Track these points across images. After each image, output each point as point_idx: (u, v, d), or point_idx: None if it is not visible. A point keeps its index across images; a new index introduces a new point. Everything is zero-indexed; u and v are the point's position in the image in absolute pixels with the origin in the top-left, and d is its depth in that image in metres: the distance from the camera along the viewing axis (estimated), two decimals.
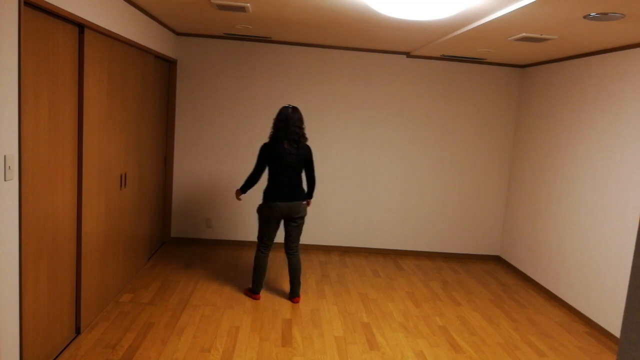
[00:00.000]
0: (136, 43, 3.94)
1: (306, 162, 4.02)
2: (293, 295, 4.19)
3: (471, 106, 5.71)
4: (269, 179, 3.99)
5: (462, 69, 5.64)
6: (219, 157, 5.57)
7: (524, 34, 3.75)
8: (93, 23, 3.08)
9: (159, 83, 4.95)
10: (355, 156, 5.69)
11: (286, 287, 4.52)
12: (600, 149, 4.20)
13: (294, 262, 4.12)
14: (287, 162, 3.91)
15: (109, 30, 3.34)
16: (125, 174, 4.02)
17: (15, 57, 2.35)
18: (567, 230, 4.60)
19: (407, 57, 5.58)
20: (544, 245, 4.96)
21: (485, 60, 5.47)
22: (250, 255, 5.36)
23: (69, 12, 2.76)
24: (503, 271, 5.52)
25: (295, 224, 4.05)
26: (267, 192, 3.98)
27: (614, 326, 3.91)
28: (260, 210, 4.03)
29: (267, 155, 3.95)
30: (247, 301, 4.12)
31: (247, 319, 3.78)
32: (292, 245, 4.11)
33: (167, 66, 5.24)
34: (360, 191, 5.74)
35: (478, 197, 5.86)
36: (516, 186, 5.65)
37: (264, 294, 4.32)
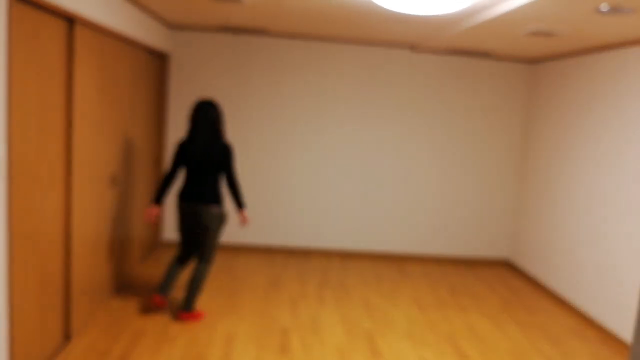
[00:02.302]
0: (128, 37, 3.96)
1: (221, 163, 3.77)
2: (181, 309, 3.80)
3: (479, 103, 5.74)
4: (183, 178, 3.86)
5: (470, 64, 5.66)
6: None
7: (534, 28, 3.77)
8: (83, 16, 3.11)
9: (151, 79, 4.97)
10: (357, 155, 5.71)
11: (286, 293, 4.54)
12: (614, 148, 4.22)
13: (196, 269, 3.80)
14: (196, 161, 3.75)
15: (99, 24, 3.36)
16: (116, 174, 4.04)
17: (4, 54, 2.37)
18: (579, 233, 4.62)
19: (413, 51, 5.60)
20: (555, 249, 4.98)
21: (493, 56, 5.49)
22: (246, 259, 5.38)
23: (59, 6, 2.78)
24: (512, 275, 5.55)
25: (203, 229, 3.78)
26: (179, 192, 3.85)
27: (627, 332, 3.93)
28: (176, 209, 3.92)
29: (179, 153, 3.79)
30: (244, 307, 4.14)
31: (244, 326, 3.80)
32: (199, 251, 3.83)
33: (159, 61, 5.26)
34: (362, 192, 5.76)
35: (486, 199, 5.88)
36: (526, 187, 5.67)
37: (261, 299, 4.33)
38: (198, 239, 3.82)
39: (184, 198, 3.77)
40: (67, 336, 3.34)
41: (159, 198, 3.83)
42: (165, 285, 3.86)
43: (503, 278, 5.44)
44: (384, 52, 5.58)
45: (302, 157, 5.65)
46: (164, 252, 5.42)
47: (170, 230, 5.67)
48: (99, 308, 3.87)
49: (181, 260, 3.92)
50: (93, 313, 3.74)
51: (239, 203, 3.86)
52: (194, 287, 3.77)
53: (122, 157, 4.18)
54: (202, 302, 4.18)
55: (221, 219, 3.81)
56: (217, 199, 3.78)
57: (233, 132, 5.57)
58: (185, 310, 3.79)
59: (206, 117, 3.75)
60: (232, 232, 5.71)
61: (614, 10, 3.06)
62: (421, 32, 4.55)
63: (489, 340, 3.89)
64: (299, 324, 3.92)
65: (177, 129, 5.53)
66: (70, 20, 3.09)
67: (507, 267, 5.87)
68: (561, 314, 4.54)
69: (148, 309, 3.96)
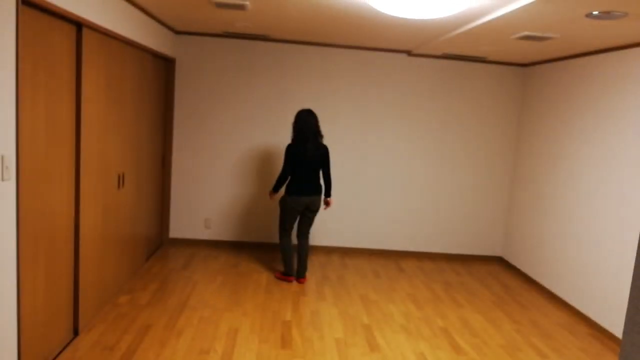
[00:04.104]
0: (134, 42, 3.95)
1: (324, 160, 4.53)
2: (299, 276, 4.66)
3: (473, 105, 5.72)
4: (292, 176, 4.48)
5: (464, 68, 5.65)
6: (218, 157, 5.58)
7: (526, 33, 3.76)
8: (91, 21, 3.09)
9: (157, 82, 4.96)
10: (355, 156, 5.69)
11: (287, 289, 4.53)
12: (604, 149, 4.21)
13: (304, 244, 4.65)
14: (308, 161, 4.42)
15: (107, 29, 3.35)
16: (123, 174, 4.03)
17: (13, 56, 2.36)
18: (570, 231, 4.61)
19: (408, 55, 5.59)
20: (547, 246, 4.97)
21: (487, 59, 5.48)
22: (249, 256, 5.37)
23: (67, 11, 2.77)
24: (505, 272, 5.53)
25: (311, 214, 4.60)
26: (291, 187, 4.48)
27: (617, 327, 3.92)
28: (284, 202, 4.53)
29: (293, 155, 4.43)
30: (247, 303, 4.13)
31: (246, 321, 3.79)
32: (305, 230, 4.66)
33: (165, 65, 5.25)
34: (361, 192, 5.75)
35: (480, 198, 5.87)
36: (518, 186, 5.66)
37: (264, 295, 4.33)
38: (306, 222, 4.62)
39: (304, 193, 4.46)
40: (74, 331, 3.33)
41: (276, 189, 4.61)
42: (293, 263, 4.70)
43: (496, 275, 5.43)
44: (382, 56, 5.57)
45: None
46: (170, 250, 5.41)
47: (176, 229, 5.65)
48: (106, 303, 3.86)
49: (290, 236, 4.64)
50: (100, 308, 3.73)
51: (329, 192, 4.69)
52: (307, 258, 4.74)
53: (129, 157, 4.17)
54: (207, 298, 4.17)
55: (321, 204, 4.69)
56: (322, 190, 4.59)
57: (236, 134, 5.55)
58: (304, 276, 4.67)
59: (311, 124, 4.42)
60: (235, 231, 5.70)
61: (605, 14, 3.05)
62: (417, 36, 4.54)
63: (482, 334, 3.88)
64: (300, 319, 3.91)
65: (182, 130, 5.51)
66: (78, 25, 3.07)
67: (500, 264, 5.86)
68: (553, 310, 4.52)
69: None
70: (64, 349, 3.17)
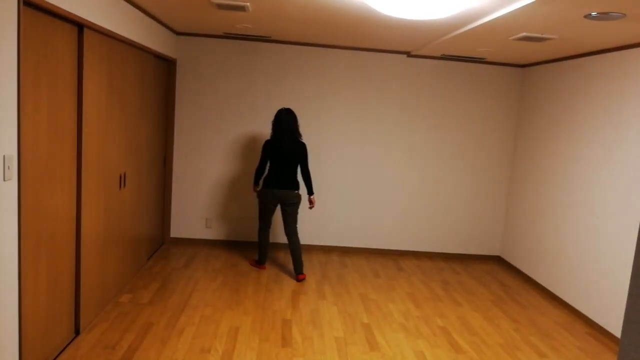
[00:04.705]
0: (135, 43, 3.94)
1: (301, 157, 4.63)
2: (297, 273, 4.72)
3: (472, 106, 5.71)
4: (269, 170, 4.65)
5: (463, 68, 5.64)
6: (219, 157, 5.57)
7: (524, 34, 3.75)
8: (92, 22, 3.08)
9: (158, 83, 4.95)
10: (354, 156, 5.69)
11: (288, 288, 4.52)
12: (601, 149, 4.20)
13: (293, 242, 4.68)
14: (283, 157, 4.56)
15: (108, 30, 3.34)
16: (125, 174, 4.02)
17: (15, 57, 2.35)
18: (568, 231, 4.60)
19: (408, 56, 5.58)
20: (545, 246, 4.96)
21: (485, 60, 5.47)
22: (250, 256, 5.36)
23: (69, 12, 2.76)
24: (504, 271, 5.52)
25: (288, 208, 4.66)
26: (265, 180, 4.66)
27: (615, 326, 3.91)
28: (259, 194, 4.71)
29: (268, 151, 4.61)
30: (247, 302, 4.12)
31: (247, 320, 3.78)
32: (288, 228, 4.69)
33: (166, 66, 5.24)
34: (360, 191, 5.74)
35: (479, 198, 5.86)
36: (517, 186, 5.65)
37: (264, 294, 4.32)
38: (287, 218, 4.67)
39: (276, 186, 4.60)
40: (76, 330, 3.32)
41: (257, 182, 4.82)
42: (266, 254, 4.91)
43: (494, 274, 5.42)
44: (382, 57, 5.56)
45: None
46: (171, 249, 5.40)
47: (177, 229, 5.65)
48: (108, 303, 3.85)
49: (267, 228, 4.82)
50: (102, 307, 3.72)
51: (310, 190, 4.76)
52: (300, 255, 4.72)
53: (131, 157, 4.16)
54: (208, 297, 4.16)
55: (300, 199, 4.70)
56: (298, 186, 4.68)
57: (237, 134, 5.55)
58: (302, 273, 4.72)
59: (288, 122, 4.55)
60: (236, 231, 5.70)
61: (603, 15, 3.04)
62: (416, 37, 4.53)
63: (481, 333, 3.87)
64: (300, 317, 3.90)
65: (183, 130, 5.51)
66: (79, 26, 3.06)
67: (499, 263, 5.85)
68: (551, 309, 4.51)
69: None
70: (65, 348, 3.16)
